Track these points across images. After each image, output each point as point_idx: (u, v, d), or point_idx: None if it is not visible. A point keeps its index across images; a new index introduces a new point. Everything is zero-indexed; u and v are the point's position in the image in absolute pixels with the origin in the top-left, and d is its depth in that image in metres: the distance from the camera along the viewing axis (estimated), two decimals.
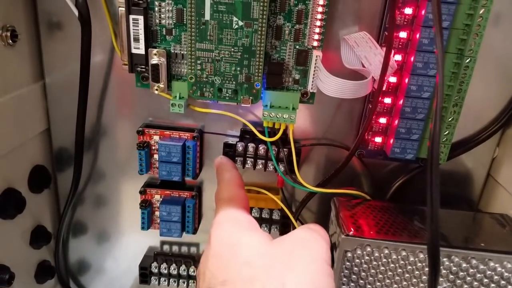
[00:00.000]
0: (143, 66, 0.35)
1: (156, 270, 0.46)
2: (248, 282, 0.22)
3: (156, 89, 0.35)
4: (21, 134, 0.38)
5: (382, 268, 0.31)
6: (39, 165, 0.41)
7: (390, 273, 0.32)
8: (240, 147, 0.39)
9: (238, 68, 0.34)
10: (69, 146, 0.41)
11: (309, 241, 0.26)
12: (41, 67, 0.39)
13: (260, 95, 0.35)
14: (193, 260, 0.46)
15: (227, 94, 0.35)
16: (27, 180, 0.39)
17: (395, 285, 0.32)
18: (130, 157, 0.42)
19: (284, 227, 0.42)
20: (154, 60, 0.34)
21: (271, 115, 0.36)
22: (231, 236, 0.26)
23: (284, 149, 0.39)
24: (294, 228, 0.41)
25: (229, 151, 0.39)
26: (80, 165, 0.41)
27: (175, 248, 0.47)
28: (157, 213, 0.42)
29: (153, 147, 0.39)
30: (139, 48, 0.34)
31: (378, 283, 0.32)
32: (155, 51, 0.34)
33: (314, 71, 0.34)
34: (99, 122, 0.41)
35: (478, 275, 0.31)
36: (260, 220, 0.43)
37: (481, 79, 0.36)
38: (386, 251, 0.31)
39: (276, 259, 0.24)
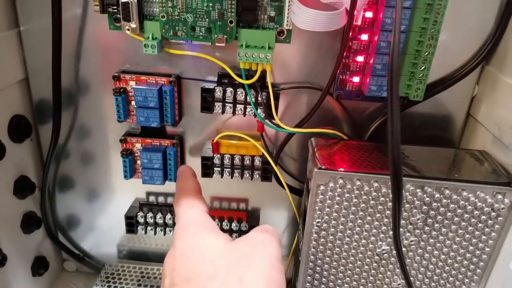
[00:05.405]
0: (115, 7, 0.34)
1: (142, 220, 0.46)
2: (210, 278, 0.25)
3: (128, 29, 0.34)
4: None
5: (355, 200, 0.32)
6: (18, 115, 0.41)
7: (363, 205, 0.32)
8: (218, 92, 0.39)
9: (211, 4, 0.33)
10: (49, 98, 0.41)
11: (264, 242, 0.28)
12: (15, 13, 0.38)
13: (235, 33, 0.35)
14: None
15: (201, 33, 0.34)
16: (7, 128, 0.39)
17: (369, 217, 0.32)
18: (110, 107, 0.41)
19: (265, 173, 0.43)
20: None
21: (246, 54, 0.35)
22: (196, 238, 0.28)
23: (263, 93, 0.39)
24: (276, 173, 0.42)
25: (207, 96, 0.39)
26: (59, 115, 0.41)
27: (161, 199, 0.48)
28: (139, 162, 0.43)
29: (130, 94, 0.39)
30: None
31: (352, 216, 0.32)
32: None
33: (289, 5, 0.34)
34: (77, 72, 0.40)
35: (452, 205, 0.32)
36: (242, 167, 0.43)
37: (458, 13, 0.35)
38: (358, 183, 0.31)
39: (236, 257, 0.26)
